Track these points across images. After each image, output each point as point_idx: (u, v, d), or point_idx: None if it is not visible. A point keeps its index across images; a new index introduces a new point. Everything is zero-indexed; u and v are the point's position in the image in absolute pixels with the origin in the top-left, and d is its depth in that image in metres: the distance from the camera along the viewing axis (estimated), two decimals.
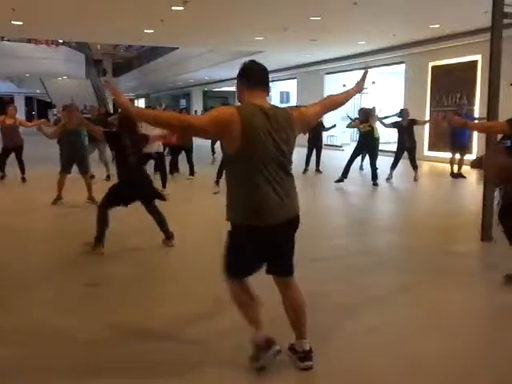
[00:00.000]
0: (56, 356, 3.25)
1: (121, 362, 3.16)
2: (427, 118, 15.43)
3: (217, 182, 9.32)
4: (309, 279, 4.73)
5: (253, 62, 2.93)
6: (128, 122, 5.56)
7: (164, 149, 11.88)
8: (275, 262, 2.98)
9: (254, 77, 2.87)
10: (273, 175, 2.80)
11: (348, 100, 3.33)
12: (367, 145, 11.05)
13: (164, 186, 9.59)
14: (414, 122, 11.29)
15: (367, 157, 11.74)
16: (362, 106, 13.00)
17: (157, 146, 9.30)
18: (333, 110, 3.27)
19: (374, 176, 10.78)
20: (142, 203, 5.72)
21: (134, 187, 5.63)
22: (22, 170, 10.88)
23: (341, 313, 3.94)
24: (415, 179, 11.36)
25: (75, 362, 3.17)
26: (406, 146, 11.21)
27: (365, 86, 3.40)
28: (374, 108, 13.41)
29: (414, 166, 11.34)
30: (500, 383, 3.02)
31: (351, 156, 10.92)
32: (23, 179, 10.84)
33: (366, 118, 11.19)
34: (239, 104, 2.91)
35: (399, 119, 11.46)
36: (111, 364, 3.15)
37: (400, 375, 3.05)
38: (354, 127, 11.46)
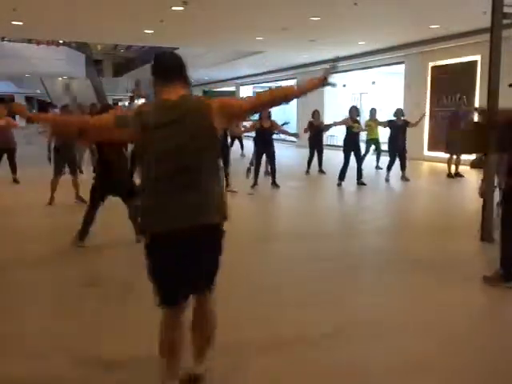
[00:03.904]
0: (58, 362, 3.25)
1: (122, 366, 3.17)
2: (426, 120, 15.58)
3: None
4: (308, 279, 4.75)
5: (163, 54, 2.72)
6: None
7: None
8: (192, 275, 2.58)
9: (160, 71, 2.63)
10: (170, 174, 2.47)
11: (291, 98, 2.76)
12: (356, 144, 10.95)
13: None
14: (407, 123, 11.34)
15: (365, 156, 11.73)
16: (354, 105, 12.83)
17: None
18: (269, 108, 2.84)
19: (360, 175, 10.82)
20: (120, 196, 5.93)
21: (110, 182, 5.79)
22: (14, 171, 10.82)
23: (340, 312, 3.95)
24: (403, 179, 11.40)
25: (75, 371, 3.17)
26: (399, 144, 11.23)
27: (331, 82, 2.82)
28: (374, 109, 13.40)
29: (403, 167, 11.39)
30: (499, 381, 3.03)
31: (345, 158, 10.79)
32: (15, 180, 10.78)
33: (356, 117, 11.05)
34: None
35: (394, 118, 11.49)
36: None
37: (400, 373, 3.05)
38: (346, 125, 11.14)
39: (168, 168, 2.47)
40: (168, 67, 2.63)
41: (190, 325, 2.71)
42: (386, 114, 13.84)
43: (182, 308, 2.60)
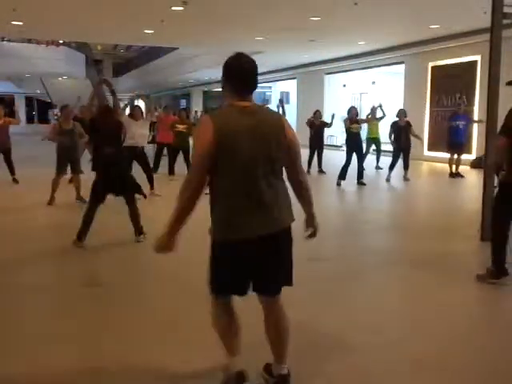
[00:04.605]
0: (60, 364, 3.25)
1: (122, 367, 3.17)
2: (426, 120, 15.69)
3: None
4: (308, 279, 4.75)
5: (237, 58, 2.54)
6: (103, 113, 5.90)
7: (161, 148, 11.72)
8: (258, 280, 2.65)
9: (236, 78, 2.54)
10: (247, 183, 2.49)
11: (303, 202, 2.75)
12: (358, 144, 10.94)
13: (152, 187, 9.12)
14: (410, 125, 11.37)
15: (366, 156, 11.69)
16: (353, 105, 12.83)
17: (142, 140, 9.03)
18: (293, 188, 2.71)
19: (361, 175, 10.80)
20: (123, 196, 5.91)
21: (110, 180, 5.77)
22: (12, 172, 10.75)
23: (340, 312, 3.95)
24: (405, 179, 11.42)
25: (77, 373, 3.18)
26: (402, 146, 11.24)
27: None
28: (375, 106, 13.45)
29: (406, 166, 11.41)
30: (499, 381, 3.03)
31: (347, 158, 10.77)
32: (14, 180, 10.71)
33: (355, 118, 11.02)
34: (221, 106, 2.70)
35: (396, 119, 11.51)
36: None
37: (400, 373, 3.05)
38: (346, 127, 11.09)
39: (244, 176, 2.48)
40: (248, 77, 2.54)
41: (264, 329, 2.76)
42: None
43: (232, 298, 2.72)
